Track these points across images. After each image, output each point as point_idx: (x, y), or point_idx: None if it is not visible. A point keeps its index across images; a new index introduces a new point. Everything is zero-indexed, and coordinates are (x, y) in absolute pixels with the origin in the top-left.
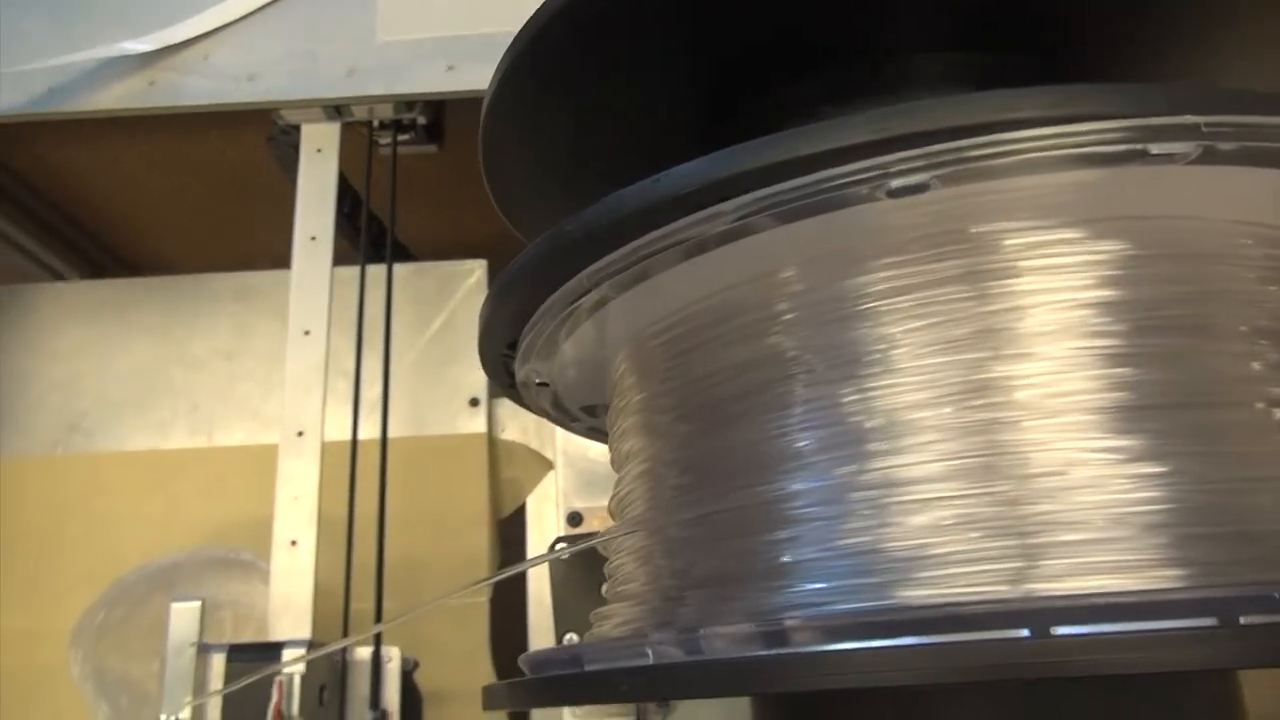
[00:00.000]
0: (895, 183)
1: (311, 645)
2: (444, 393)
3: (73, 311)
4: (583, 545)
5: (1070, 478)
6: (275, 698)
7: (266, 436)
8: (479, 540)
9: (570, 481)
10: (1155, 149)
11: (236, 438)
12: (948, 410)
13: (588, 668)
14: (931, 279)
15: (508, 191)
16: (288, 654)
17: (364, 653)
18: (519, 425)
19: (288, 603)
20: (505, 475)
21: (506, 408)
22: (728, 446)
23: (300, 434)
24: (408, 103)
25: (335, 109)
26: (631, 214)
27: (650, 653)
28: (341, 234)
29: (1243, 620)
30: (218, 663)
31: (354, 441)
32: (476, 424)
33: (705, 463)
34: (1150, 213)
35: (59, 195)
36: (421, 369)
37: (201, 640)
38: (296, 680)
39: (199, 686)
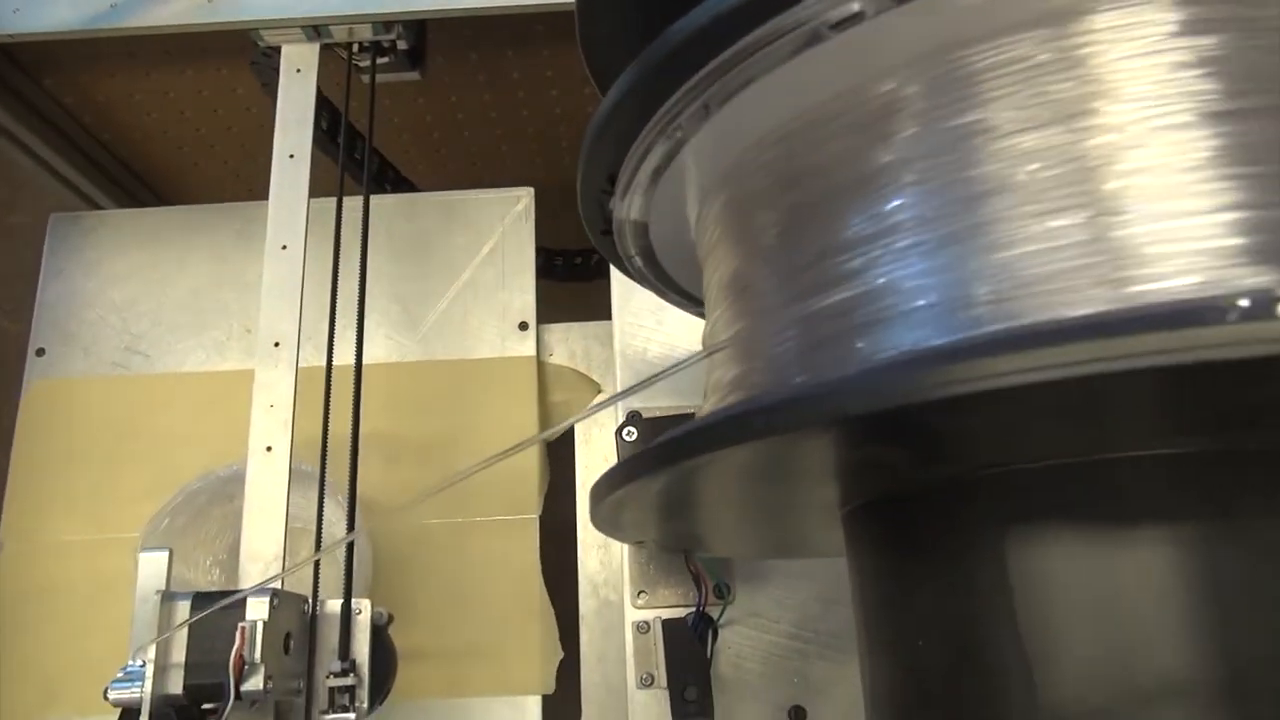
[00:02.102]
0: None
1: (276, 594)
2: (494, 316)
3: (130, 237)
4: (669, 372)
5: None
6: (237, 643)
7: (317, 359)
8: (528, 460)
9: (628, 382)
10: None
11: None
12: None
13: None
14: (1024, 52)
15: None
16: (251, 601)
17: (334, 605)
18: (567, 349)
19: (263, 506)
20: (554, 398)
21: (555, 333)
22: (826, 236)
23: (276, 344)
24: (386, 24)
25: (314, 29)
26: None
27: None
28: (331, 157)
29: None
30: (182, 609)
31: (329, 364)
32: (526, 347)
33: (802, 259)
34: None
35: (105, 130)
36: (471, 293)
37: (168, 589)
38: (259, 627)
39: (164, 632)
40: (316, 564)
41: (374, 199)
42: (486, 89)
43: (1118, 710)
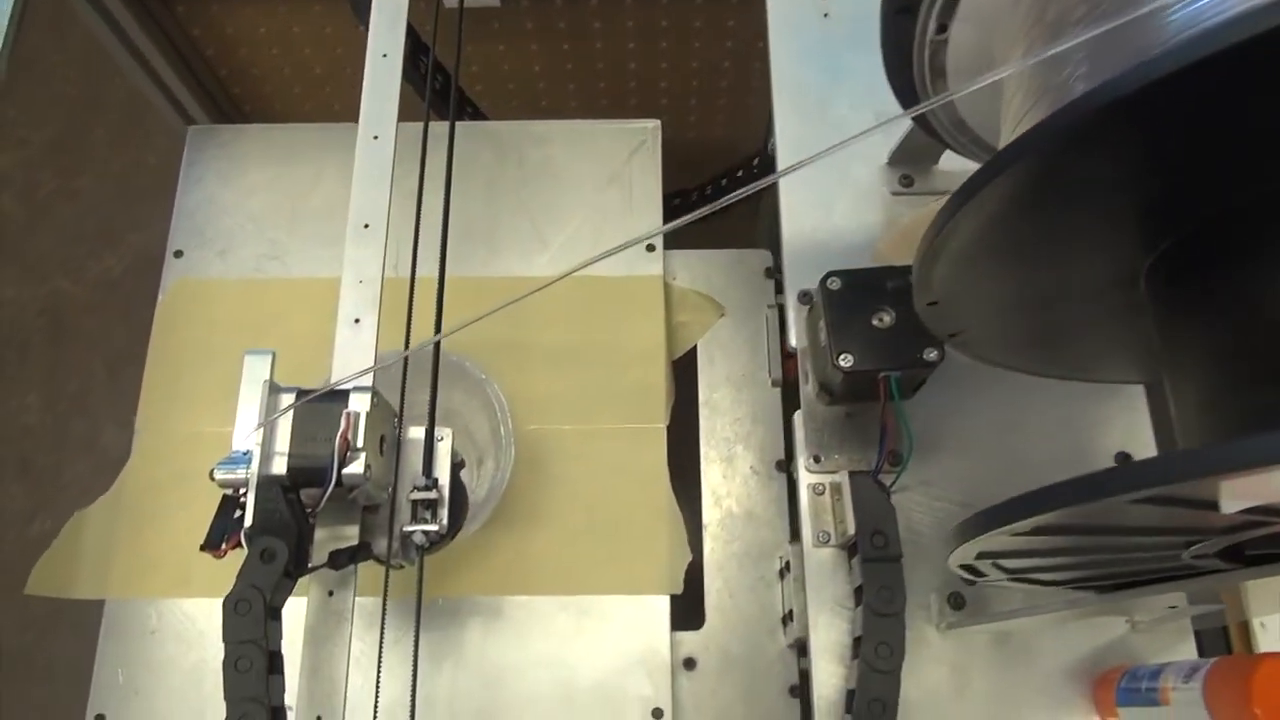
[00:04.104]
0: None
1: (376, 394)
2: (622, 238)
3: (266, 151)
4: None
5: None
6: (343, 426)
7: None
8: (655, 373)
9: (794, 265)
10: None
11: (420, 270)
12: None
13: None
14: None
15: None
16: (355, 395)
17: (417, 431)
18: (689, 274)
19: (349, 374)
20: (677, 319)
21: (677, 259)
22: None
23: (366, 226)
24: None
25: None
26: None
27: None
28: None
29: None
30: (286, 399)
31: (412, 271)
32: (653, 268)
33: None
34: None
35: (224, 64)
36: (601, 215)
37: (272, 381)
38: (363, 417)
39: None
40: (403, 390)
41: (507, 125)
42: (635, 36)
43: None
